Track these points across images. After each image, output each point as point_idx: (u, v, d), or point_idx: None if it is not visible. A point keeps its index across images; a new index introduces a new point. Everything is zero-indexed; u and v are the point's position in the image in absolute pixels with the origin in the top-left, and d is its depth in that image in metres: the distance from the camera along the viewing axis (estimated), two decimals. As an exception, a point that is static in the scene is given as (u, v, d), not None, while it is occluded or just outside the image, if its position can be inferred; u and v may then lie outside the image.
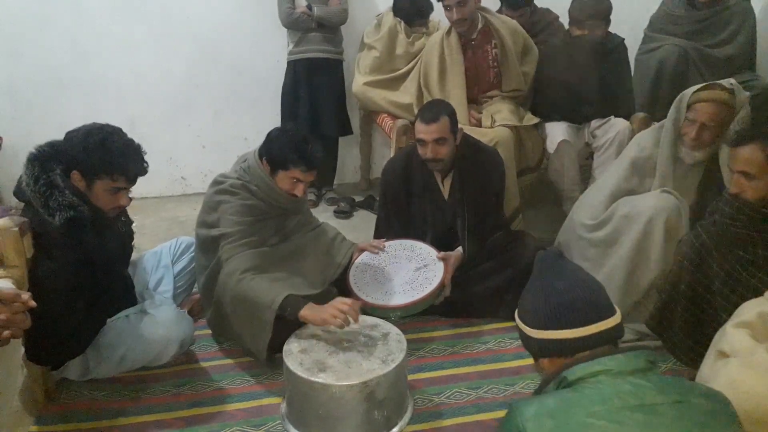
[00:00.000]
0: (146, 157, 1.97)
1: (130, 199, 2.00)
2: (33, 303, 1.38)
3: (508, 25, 3.13)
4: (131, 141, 1.94)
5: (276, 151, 2.20)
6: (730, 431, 1.06)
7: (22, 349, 1.83)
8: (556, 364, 1.18)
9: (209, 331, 2.34)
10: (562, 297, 1.17)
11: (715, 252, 1.93)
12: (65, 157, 1.85)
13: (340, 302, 1.91)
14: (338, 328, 1.87)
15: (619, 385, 1.05)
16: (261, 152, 2.26)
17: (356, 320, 1.89)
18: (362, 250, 2.49)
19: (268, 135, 2.25)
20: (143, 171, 1.96)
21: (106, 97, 3.68)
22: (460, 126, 2.52)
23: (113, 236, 2.00)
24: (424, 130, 2.40)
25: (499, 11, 3.38)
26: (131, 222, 2.17)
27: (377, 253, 2.48)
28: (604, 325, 1.15)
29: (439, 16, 3.38)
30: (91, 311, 1.93)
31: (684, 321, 2.02)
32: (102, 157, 1.85)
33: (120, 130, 1.94)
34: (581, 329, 1.14)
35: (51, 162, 1.83)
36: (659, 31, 3.36)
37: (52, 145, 1.88)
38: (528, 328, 1.22)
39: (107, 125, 1.92)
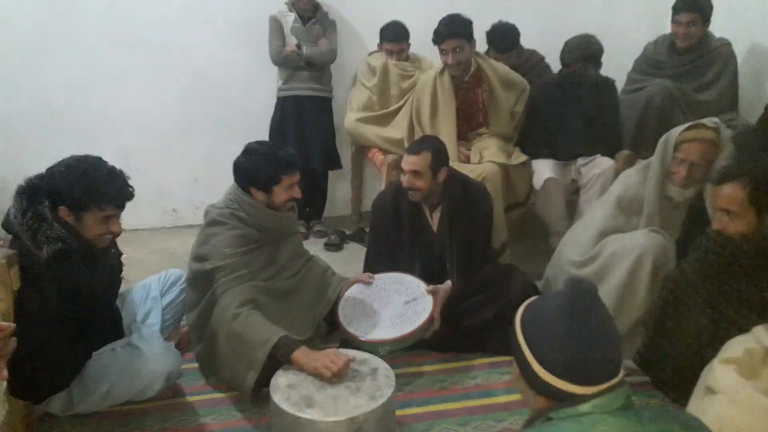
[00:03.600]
0: (138, 189, 1.98)
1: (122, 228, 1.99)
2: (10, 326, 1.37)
3: (498, 72, 3.20)
4: (113, 168, 1.93)
5: (260, 174, 2.23)
6: None
7: (4, 383, 1.80)
8: (547, 402, 1.16)
9: (196, 365, 2.31)
10: (584, 350, 1.10)
11: (700, 288, 1.94)
12: (50, 193, 1.85)
13: (335, 355, 1.88)
14: (327, 379, 1.83)
15: (599, 419, 1.06)
16: (242, 183, 2.27)
17: (346, 374, 1.85)
18: (353, 283, 2.50)
19: (237, 165, 2.27)
20: (130, 195, 1.95)
21: (100, 130, 3.70)
22: (450, 163, 2.56)
23: (102, 269, 2.00)
24: (404, 160, 2.51)
25: (487, 53, 3.46)
26: (120, 254, 2.17)
27: (369, 283, 2.48)
28: (607, 385, 1.11)
29: (431, 56, 3.45)
30: (76, 345, 1.91)
31: (671, 357, 2.03)
32: (86, 189, 1.84)
33: (100, 159, 1.93)
34: (587, 388, 1.10)
35: (39, 195, 1.83)
36: (643, 74, 3.44)
37: (41, 178, 1.88)
38: (535, 361, 1.14)
39: (87, 156, 1.92)
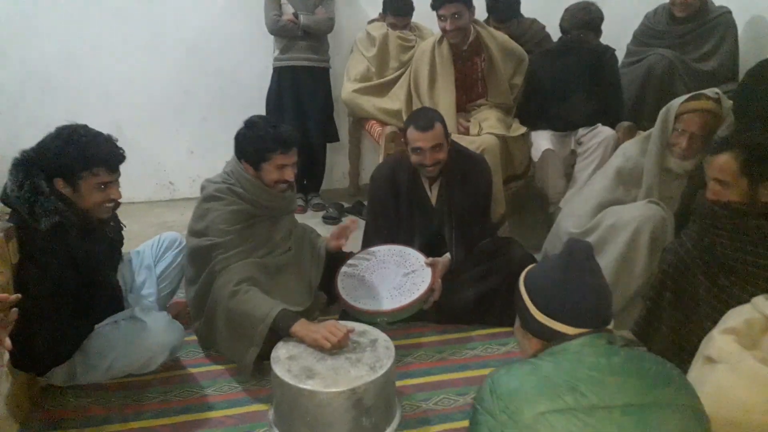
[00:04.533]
0: (133, 162, 1.96)
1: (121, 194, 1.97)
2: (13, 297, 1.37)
3: (498, 41, 3.16)
4: (98, 132, 1.90)
5: (250, 148, 2.19)
6: (681, 392, 1.17)
7: (7, 355, 1.81)
8: (541, 344, 1.29)
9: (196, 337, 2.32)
10: (575, 296, 1.24)
11: (699, 260, 1.95)
12: (43, 166, 1.82)
13: (334, 327, 1.87)
14: (327, 350, 1.84)
15: (579, 353, 1.20)
16: (237, 155, 2.25)
17: (346, 346, 1.86)
18: (334, 239, 2.48)
19: (236, 138, 2.24)
20: (120, 156, 1.92)
21: (93, 101, 3.66)
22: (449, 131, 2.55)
23: (101, 241, 1.99)
24: (421, 138, 2.40)
25: (487, 22, 3.42)
26: (121, 227, 2.15)
27: (352, 229, 2.49)
28: (596, 331, 1.24)
29: (431, 24, 3.40)
30: (77, 317, 1.91)
31: (669, 328, 2.05)
32: (74, 154, 1.82)
33: (85, 126, 1.90)
34: (577, 330, 1.23)
35: (35, 167, 1.81)
36: (642, 45, 3.41)
37: (37, 150, 1.86)
38: (532, 305, 1.29)
39: (71, 124, 1.89)
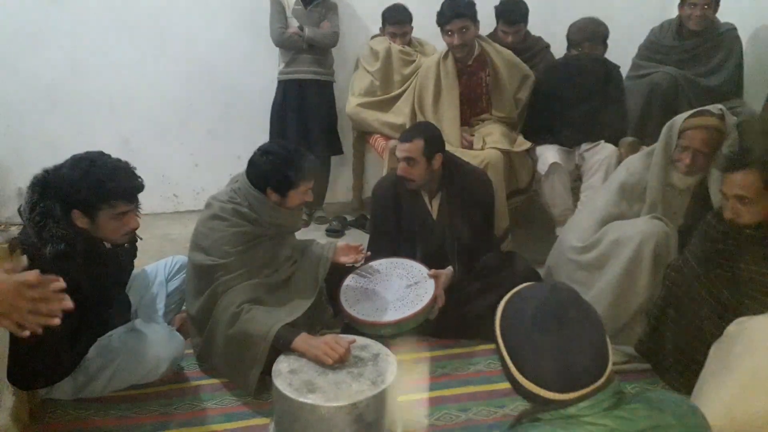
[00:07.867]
0: (139, 174, 1.95)
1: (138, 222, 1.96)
2: (60, 285, 1.32)
3: (502, 56, 3.18)
4: (117, 162, 1.89)
5: (278, 177, 2.17)
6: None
7: (5, 372, 1.80)
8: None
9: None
10: (560, 361, 1.07)
11: (703, 278, 1.94)
12: (59, 196, 1.81)
13: (334, 342, 1.86)
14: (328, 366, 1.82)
15: (586, 420, 1.05)
16: (256, 182, 2.20)
17: (346, 360, 1.84)
18: (342, 249, 2.46)
19: (254, 162, 2.21)
20: (139, 187, 1.91)
21: (99, 114, 3.67)
22: (453, 149, 2.55)
23: (109, 267, 1.98)
24: (398, 147, 2.52)
25: (495, 31, 3.45)
26: (136, 240, 2.14)
27: (360, 252, 2.47)
28: (591, 388, 1.07)
29: (434, 40, 3.42)
30: (76, 339, 1.90)
31: (673, 346, 2.03)
32: (92, 189, 1.80)
33: (102, 153, 1.89)
34: (568, 394, 1.07)
35: (52, 191, 1.80)
36: (648, 60, 3.42)
37: (55, 176, 1.84)
38: (515, 369, 1.12)
39: (89, 153, 1.87)
